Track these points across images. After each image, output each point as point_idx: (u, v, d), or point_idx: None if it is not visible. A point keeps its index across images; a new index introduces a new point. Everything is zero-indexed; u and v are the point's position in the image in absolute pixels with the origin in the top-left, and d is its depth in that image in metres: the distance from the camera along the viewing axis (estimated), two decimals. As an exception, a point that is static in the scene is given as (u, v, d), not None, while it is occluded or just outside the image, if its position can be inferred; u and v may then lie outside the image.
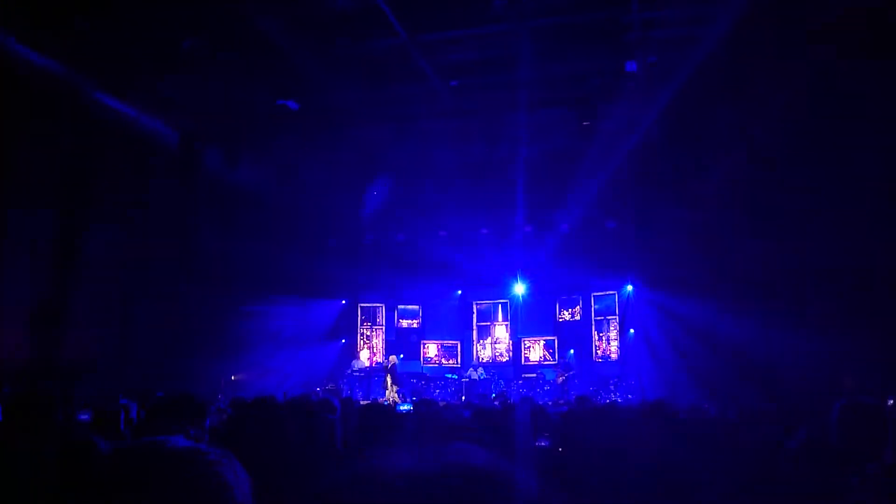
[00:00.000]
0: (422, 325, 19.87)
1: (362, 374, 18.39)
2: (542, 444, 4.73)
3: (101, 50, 10.93)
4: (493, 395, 16.11)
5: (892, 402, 5.36)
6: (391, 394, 16.19)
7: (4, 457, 2.32)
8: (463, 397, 15.68)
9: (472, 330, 19.54)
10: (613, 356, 17.80)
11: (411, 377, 17.69)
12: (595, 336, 18.21)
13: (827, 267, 11.68)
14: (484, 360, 19.02)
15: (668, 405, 4.97)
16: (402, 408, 8.82)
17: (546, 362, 18.43)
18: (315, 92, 12.74)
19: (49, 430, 2.81)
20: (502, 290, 19.23)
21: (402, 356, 17.47)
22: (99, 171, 12.61)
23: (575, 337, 18.34)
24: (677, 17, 10.37)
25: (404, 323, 19.97)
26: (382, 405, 5.42)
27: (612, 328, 17.97)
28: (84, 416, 4.54)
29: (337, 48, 11.36)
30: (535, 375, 17.80)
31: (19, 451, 2.33)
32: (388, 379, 16.49)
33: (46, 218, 11.77)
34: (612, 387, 16.67)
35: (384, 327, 20.00)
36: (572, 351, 17.84)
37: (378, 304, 20.08)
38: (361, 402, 9.65)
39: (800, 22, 9.74)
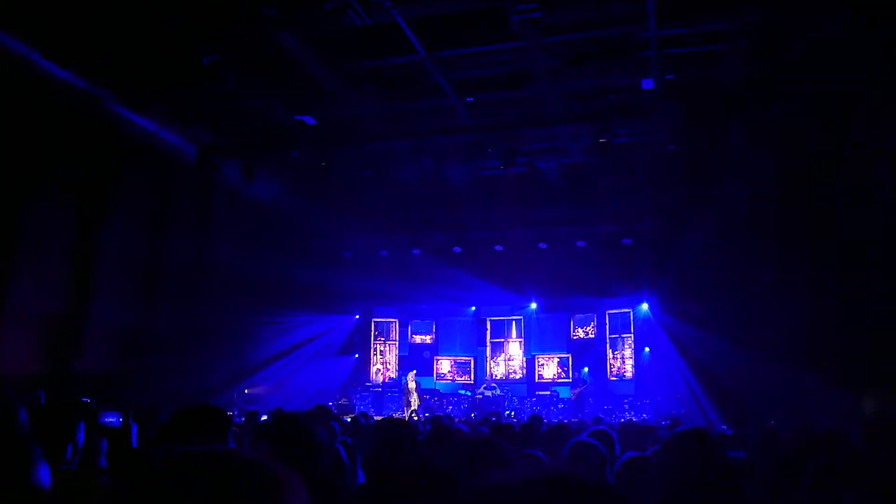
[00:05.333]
0: (435, 340, 19.82)
1: (378, 389, 18.39)
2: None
3: (121, 65, 11.08)
4: (508, 412, 16.03)
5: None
6: (411, 411, 16.08)
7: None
8: (472, 414, 15.56)
9: (486, 346, 19.45)
10: (628, 375, 17.65)
11: (424, 393, 17.63)
12: (610, 354, 18.07)
13: (844, 292, 11.52)
14: (497, 377, 18.90)
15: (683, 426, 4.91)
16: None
17: (560, 380, 18.30)
18: (333, 107, 12.83)
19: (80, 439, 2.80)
20: (516, 306, 19.15)
21: (414, 371, 17.42)
22: (118, 183, 12.73)
23: (589, 355, 18.20)
24: (695, 35, 10.36)
25: (417, 338, 19.93)
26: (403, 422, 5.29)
27: (626, 346, 17.84)
28: (111, 418, 4.51)
29: (355, 64, 11.45)
30: (548, 393, 17.67)
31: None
32: (414, 396, 16.40)
33: (65, 229, 11.89)
34: (626, 406, 16.53)
35: (397, 342, 19.97)
36: (586, 369, 17.72)
37: (392, 320, 20.07)
38: (377, 418, 9.62)
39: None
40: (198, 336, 13.72)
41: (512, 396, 17.60)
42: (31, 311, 11.12)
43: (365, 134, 13.78)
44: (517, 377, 18.95)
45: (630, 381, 17.48)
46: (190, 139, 14.05)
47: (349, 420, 8.94)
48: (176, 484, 0.97)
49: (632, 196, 15.01)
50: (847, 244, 11.45)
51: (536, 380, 18.64)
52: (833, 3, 9.05)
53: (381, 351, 19.91)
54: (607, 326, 18.25)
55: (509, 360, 19.28)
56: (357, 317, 19.88)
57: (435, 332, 19.84)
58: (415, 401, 16.37)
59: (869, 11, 8.91)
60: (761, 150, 12.37)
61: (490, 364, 19.31)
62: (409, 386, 16.67)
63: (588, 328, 18.65)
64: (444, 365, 19.44)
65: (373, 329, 19.99)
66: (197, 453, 1.02)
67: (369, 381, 19.09)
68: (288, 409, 10.91)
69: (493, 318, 19.56)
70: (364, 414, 10.07)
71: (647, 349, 17.32)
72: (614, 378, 17.83)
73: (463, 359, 19.45)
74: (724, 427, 11.32)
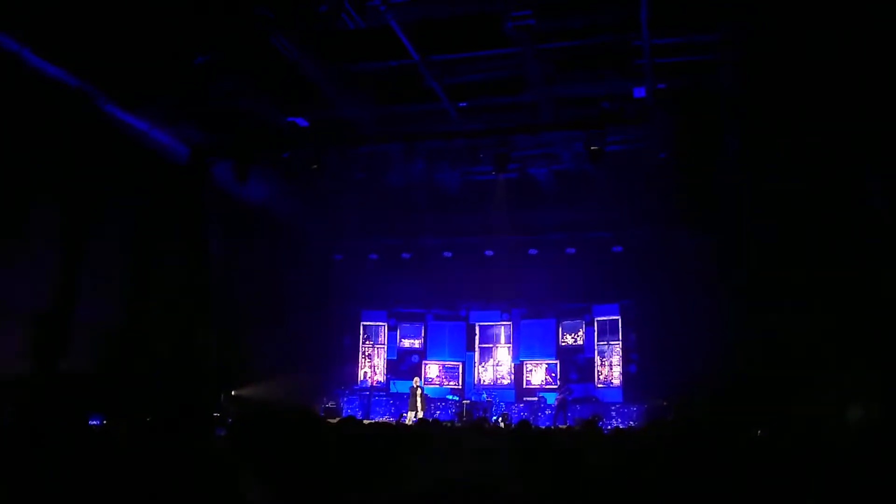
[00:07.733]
0: (423, 345, 19.79)
1: (365, 393, 18.34)
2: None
3: (113, 63, 11.02)
4: (496, 417, 16.03)
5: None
6: (416, 414, 16.04)
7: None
8: (463, 419, 15.56)
9: (475, 351, 19.45)
10: (615, 382, 17.67)
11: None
12: (598, 361, 18.09)
13: (843, 296, 11.55)
14: (485, 383, 18.91)
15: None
16: None
17: (548, 386, 18.31)
18: (325, 109, 12.82)
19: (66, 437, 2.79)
20: (505, 312, 19.17)
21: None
22: (108, 182, 12.65)
23: (577, 361, 18.23)
24: (687, 44, 10.43)
25: (406, 342, 19.89)
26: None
27: (614, 353, 17.87)
28: (96, 421, 4.48)
29: (348, 67, 11.45)
30: (536, 399, 17.68)
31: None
32: (419, 400, 16.34)
33: (53, 227, 11.79)
34: (613, 413, 16.55)
35: (385, 346, 19.92)
36: (575, 377, 17.77)
37: (380, 323, 20.02)
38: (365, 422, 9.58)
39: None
40: (185, 337, 13.64)
41: (500, 402, 17.61)
42: (17, 310, 11.02)
43: (357, 137, 13.78)
44: (505, 383, 18.95)
45: (617, 388, 17.51)
46: (182, 139, 13.97)
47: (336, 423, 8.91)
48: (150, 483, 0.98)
49: (623, 204, 15.06)
50: (844, 250, 11.50)
51: (524, 385, 18.64)
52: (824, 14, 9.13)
53: (369, 354, 19.85)
54: (595, 333, 18.28)
55: (497, 365, 19.28)
56: (346, 320, 19.82)
57: (424, 337, 19.81)
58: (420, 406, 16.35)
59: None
60: (755, 158, 12.43)
61: (478, 369, 19.30)
62: (416, 392, 16.62)
63: (576, 334, 18.67)
64: (432, 369, 19.40)
65: (361, 332, 19.94)
66: (170, 454, 1.02)
67: (357, 385, 19.04)
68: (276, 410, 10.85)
69: (482, 324, 19.56)
70: (352, 418, 10.04)
71: (635, 356, 17.35)
72: (601, 385, 17.85)
73: (451, 363, 19.43)
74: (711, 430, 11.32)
